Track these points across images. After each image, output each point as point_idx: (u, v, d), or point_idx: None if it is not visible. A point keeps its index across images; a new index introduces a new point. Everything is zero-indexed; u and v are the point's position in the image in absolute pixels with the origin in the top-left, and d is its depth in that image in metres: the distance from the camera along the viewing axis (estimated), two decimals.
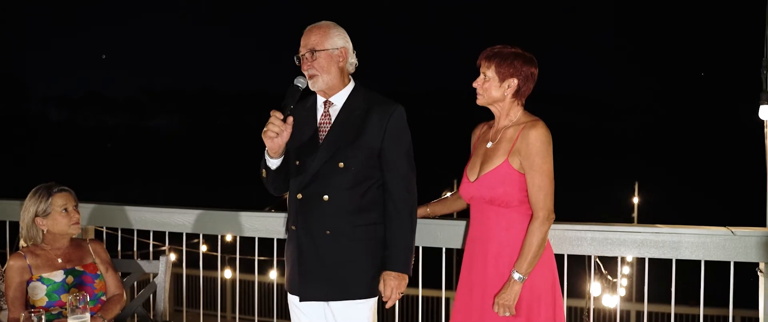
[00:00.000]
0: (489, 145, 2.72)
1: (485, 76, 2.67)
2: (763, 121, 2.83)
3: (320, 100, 2.76)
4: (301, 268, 2.73)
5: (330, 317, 2.77)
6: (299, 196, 2.72)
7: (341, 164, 2.65)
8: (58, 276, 2.90)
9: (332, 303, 2.74)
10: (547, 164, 2.58)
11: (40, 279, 2.87)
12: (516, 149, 2.60)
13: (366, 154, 2.65)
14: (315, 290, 2.73)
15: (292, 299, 2.83)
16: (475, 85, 2.70)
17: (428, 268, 3.33)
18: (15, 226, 3.89)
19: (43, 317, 2.25)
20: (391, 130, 2.68)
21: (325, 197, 2.67)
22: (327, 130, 2.71)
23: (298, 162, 2.72)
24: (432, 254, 3.25)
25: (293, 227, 2.76)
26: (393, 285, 2.68)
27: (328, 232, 2.67)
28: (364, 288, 2.72)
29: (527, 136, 2.58)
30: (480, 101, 2.71)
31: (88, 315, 2.37)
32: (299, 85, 2.64)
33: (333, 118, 2.72)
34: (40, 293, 2.86)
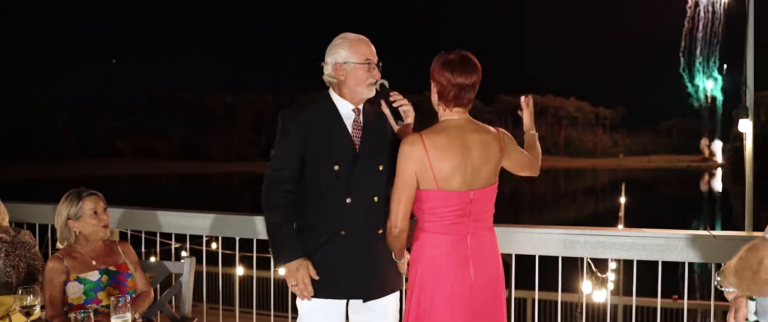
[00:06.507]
0: None
1: None
2: (742, 133, 3.04)
3: (349, 106, 2.82)
4: (365, 270, 2.81)
5: (359, 314, 2.91)
6: (348, 200, 2.78)
7: (381, 167, 2.80)
8: (93, 276, 3.12)
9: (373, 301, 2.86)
10: (399, 178, 2.63)
11: (78, 279, 3.08)
12: None
13: (392, 153, 2.75)
14: (375, 289, 2.85)
15: (326, 305, 2.84)
16: None
17: None
18: (43, 228, 4.13)
19: (91, 313, 2.43)
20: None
21: (375, 198, 2.80)
22: (360, 135, 2.80)
23: (337, 167, 2.78)
24: None
25: (343, 232, 2.80)
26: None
27: (381, 231, 2.80)
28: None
29: None
30: None
31: (129, 315, 2.56)
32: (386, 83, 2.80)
33: (362, 124, 2.83)
34: (77, 292, 3.07)
